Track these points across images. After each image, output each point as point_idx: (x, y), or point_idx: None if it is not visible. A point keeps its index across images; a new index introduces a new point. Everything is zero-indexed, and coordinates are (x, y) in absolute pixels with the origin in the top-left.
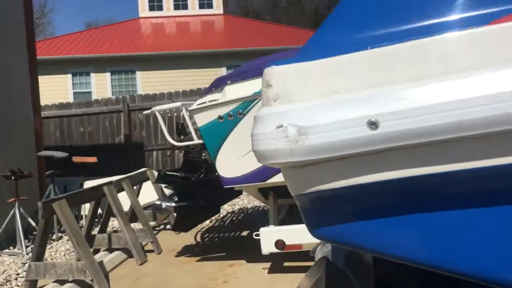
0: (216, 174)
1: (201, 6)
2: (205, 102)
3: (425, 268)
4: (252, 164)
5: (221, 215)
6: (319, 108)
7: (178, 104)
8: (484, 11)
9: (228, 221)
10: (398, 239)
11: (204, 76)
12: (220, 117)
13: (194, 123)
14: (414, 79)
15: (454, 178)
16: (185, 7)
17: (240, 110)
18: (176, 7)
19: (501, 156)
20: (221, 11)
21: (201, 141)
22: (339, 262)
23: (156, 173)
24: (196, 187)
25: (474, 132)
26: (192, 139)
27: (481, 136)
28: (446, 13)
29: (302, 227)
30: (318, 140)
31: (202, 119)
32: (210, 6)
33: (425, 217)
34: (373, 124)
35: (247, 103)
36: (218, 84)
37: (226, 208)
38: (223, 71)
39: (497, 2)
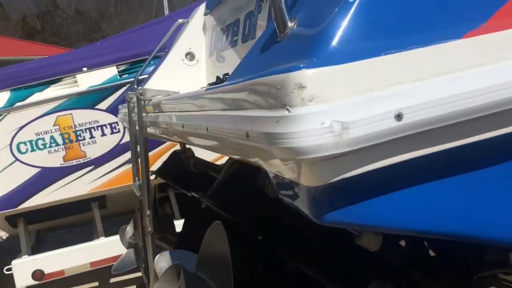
0: None
1: None
2: None
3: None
4: None
5: None
6: (353, 105)
7: None
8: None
9: None
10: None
11: None
12: None
13: None
14: (422, 79)
15: (462, 151)
16: None
17: None
18: None
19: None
20: None
21: None
22: (190, 267)
23: None
24: None
25: (470, 116)
26: None
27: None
28: (441, 27)
29: (62, 252)
30: (358, 133)
31: None
32: None
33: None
34: (398, 117)
35: None
36: None
37: None
38: None
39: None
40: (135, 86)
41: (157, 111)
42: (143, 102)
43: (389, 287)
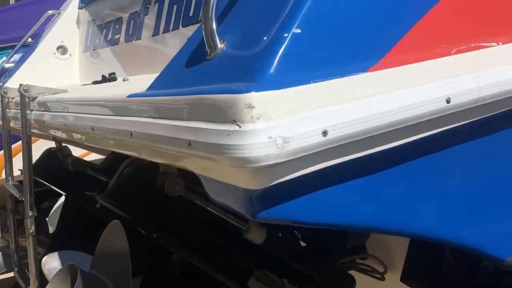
0: None
1: None
2: None
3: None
4: None
5: None
6: (292, 123)
7: None
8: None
9: None
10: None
11: None
12: None
13: None
14: (340, 103)
15: (382, 155)
16: None
17: None
18: None
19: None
20: None
21: None
22: (84, 267)
23: None
24: None
25: (382, 131)
26: None
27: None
28: (352, 62)
29: None
30: (295, 146)
31: None
32: None
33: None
34: (324, 133)
35: None
36: None
37: None
38: None
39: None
40: None
41: (43, 109)
42: (27, 99)
43: (269, 274)
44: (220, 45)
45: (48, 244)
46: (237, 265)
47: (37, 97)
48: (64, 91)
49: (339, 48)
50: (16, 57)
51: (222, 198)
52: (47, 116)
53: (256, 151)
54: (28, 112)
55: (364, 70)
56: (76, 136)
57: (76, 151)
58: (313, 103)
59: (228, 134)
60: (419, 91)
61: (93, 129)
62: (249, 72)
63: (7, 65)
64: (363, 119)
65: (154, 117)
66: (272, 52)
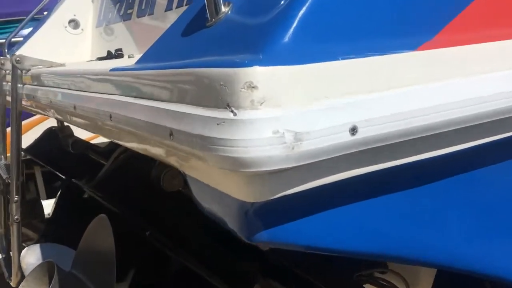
0: None
1: None
2: None
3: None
4: None
5: None
6: (309, 113)
7: None
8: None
9: None
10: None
11: None
12: None
13: None
14: (377, 90)
15: (417, 166)
16: None
17: None
18: None
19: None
20: None
21: None
22: (65, 264)
23: None
24: None
25: (432, 132)
26: None
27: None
28: (397, 36)
29: None
30: (310, 146)
31: None
32: None
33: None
34: (353, 130)
35: None
36: None
37: None
38: None
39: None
40: (6, 50)
41: (36, 83)
42: (19, 71)
43: (274, 284)
44: (224, 9)
45: (42, 230)
46: (240, 272)
47: (30, 69)
48: (61, 64)
49: (380, 16)
50: (27, 30)
51: (212, 207)
52: (37, 91)
53: (255, 150)
54: (19, 85)
55: (413, 47)
56: (63, 115)
57: (84, 134)
58: (340, 87)
59: (218, 124)
60: (485, 81)
61: (75, 108)
62: (256, 41)
63: (15, 39)
64: (407, 114)
65: (135, 97)
66: (289, 15)
